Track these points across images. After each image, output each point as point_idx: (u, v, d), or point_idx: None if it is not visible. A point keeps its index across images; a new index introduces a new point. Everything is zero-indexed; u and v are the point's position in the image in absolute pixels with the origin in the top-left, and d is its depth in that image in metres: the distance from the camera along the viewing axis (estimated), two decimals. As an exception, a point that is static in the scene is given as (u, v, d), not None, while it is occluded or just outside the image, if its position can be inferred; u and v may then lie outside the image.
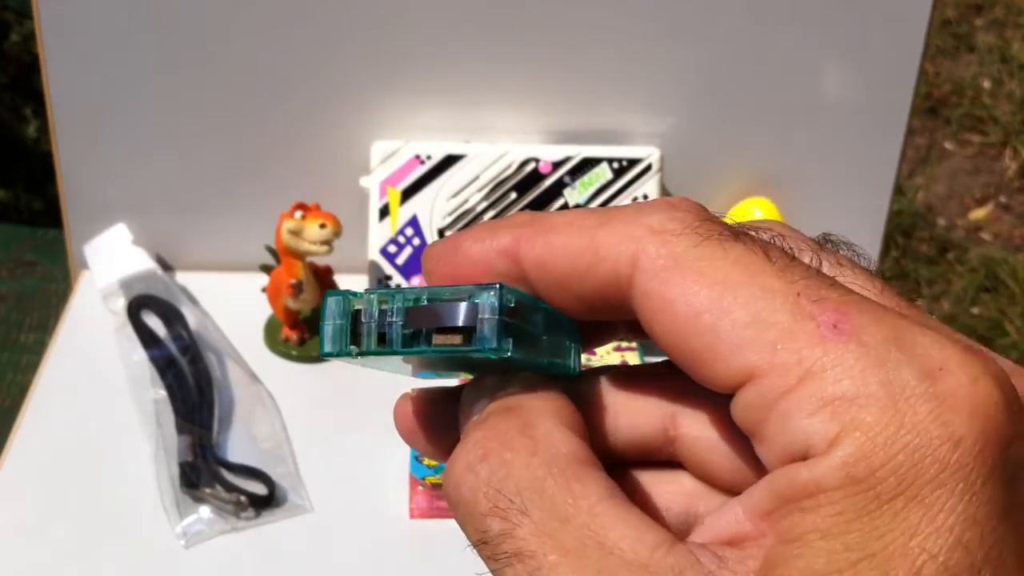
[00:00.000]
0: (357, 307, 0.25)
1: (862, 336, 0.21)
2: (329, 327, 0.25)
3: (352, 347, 0.25)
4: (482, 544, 0.22)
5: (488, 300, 0.23)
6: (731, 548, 0.21)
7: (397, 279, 0.84)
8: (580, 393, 0.26)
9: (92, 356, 0.83)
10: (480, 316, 0.23)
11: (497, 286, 0.23)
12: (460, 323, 0.23)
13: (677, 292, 0.22)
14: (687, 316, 0.22)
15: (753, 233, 0.23)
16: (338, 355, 0.25)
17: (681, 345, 0.22)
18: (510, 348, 0.23)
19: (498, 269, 0.25)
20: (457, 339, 0.23)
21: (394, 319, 0.24)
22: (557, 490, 0.22)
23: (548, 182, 0.85)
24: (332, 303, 0.25)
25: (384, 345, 0.24)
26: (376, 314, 0.24)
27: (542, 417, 0.23)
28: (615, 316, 0.24)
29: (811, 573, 0.20)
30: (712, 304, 0.22)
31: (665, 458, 0.26)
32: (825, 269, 0.23)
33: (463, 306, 0.23)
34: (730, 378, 0.22)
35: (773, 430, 0.21)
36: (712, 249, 0.22)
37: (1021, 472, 0.20)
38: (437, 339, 0.24)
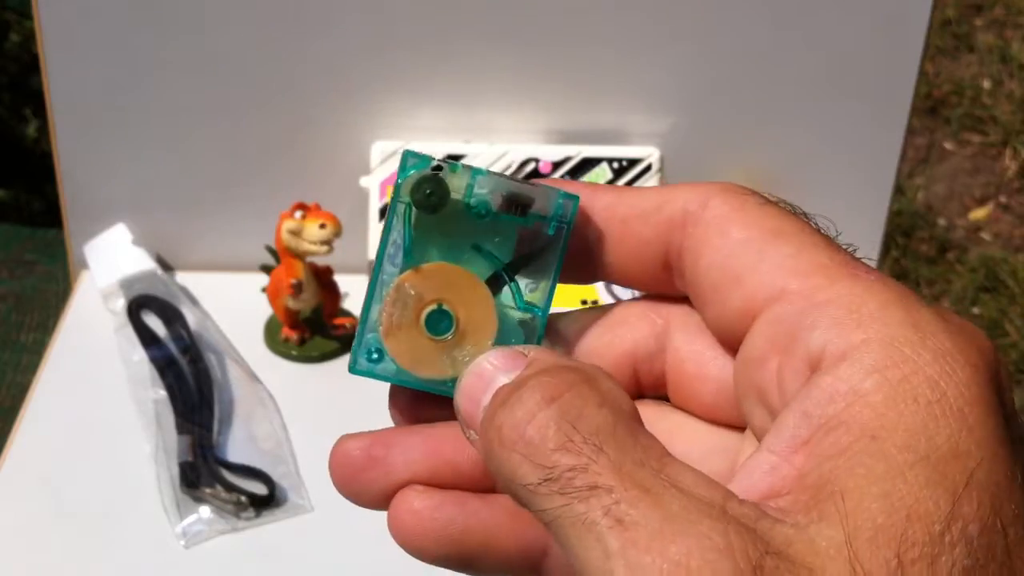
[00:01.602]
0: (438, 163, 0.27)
1: (888, 284, 0.23)
2: (412, 152, 0.27)
3: (438, 161, 0.26)
4: (547, 481, 0.22)
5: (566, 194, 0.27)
6: (779, 500, 0.22)
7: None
8: (570, 331, 0.28)
9: (92, 356, 0.83)
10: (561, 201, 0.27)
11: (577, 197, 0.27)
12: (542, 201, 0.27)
13: (737, 223, 0.25)
14: (740, 240, 0.24)
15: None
16: (418, 167, 0.26)
17: (727, 262, 0.25)
18: (570, 224, 0.26)
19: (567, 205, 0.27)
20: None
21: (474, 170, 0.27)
22: (627, 436, 0.22)
23: (548, 182, 0.85)
24: (415, 157, 0.27)
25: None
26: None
27: (602, 376, 0.24)
28: (658, 275, 0.27)
29: (873, 480, 0.20)
30: (764, 235, 0.24)
31: (649, 389, 0.28)
32: None
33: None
34: (760, 296, 0.24)
35: (797, 341, 0.23)
36: (771, 210, 0.25)
37: (1012, 413, 0.22)
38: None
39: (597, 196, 0.27)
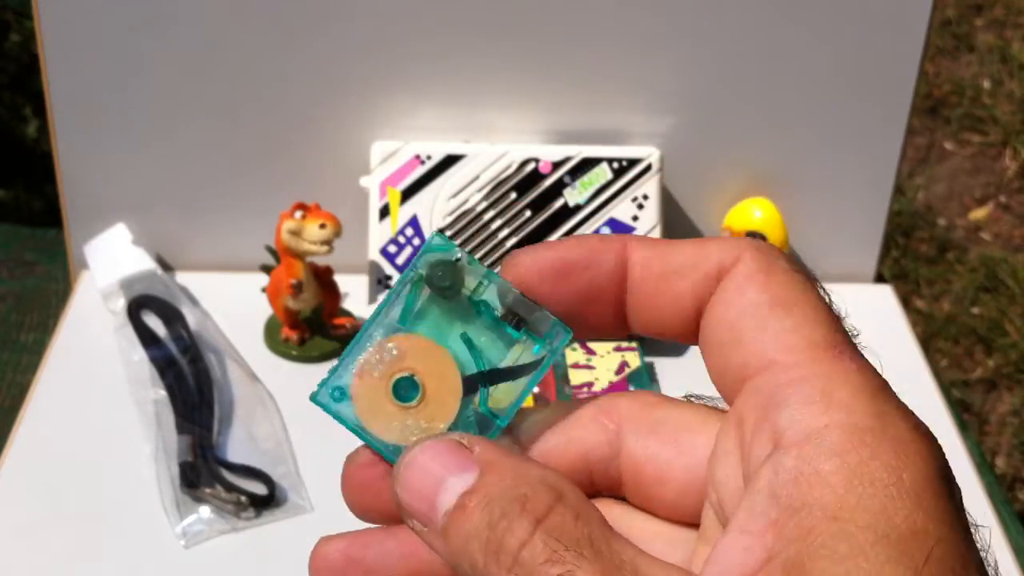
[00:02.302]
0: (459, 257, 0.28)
1: (869, 372, 0.25)
2: (442, 237, 0.29)
3: (464, 253, 0.28)
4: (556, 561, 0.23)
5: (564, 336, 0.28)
6: None
7: (397, 279, 0.84)
8: (522, 430, 0.29)
9: (92, 356, 0.83)
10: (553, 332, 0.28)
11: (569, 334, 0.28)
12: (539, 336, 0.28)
13: (756, 285, 0.26)
14: (751, 303, 0.26)
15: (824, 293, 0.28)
16: (442, 249, 0.28)
17: (736, 322, 0.26)
18: (554, 356, 0.28)
19: (603, 262, 0.28)
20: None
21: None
22: (603, 543, 0.24)
23: (548, 182, 0.85)
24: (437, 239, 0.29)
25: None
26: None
27: (566, 486, 0.25)
28: (685, 328, 0.28)
29: (837, 560, 0.22)
30: (775, 302, 0.26)
31: (605, 490, 0.29)
32: None
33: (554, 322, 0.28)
34: (753, 363, 0.25)
35: (768, 414, 0.24)
36: (794, 279, 0.27)
37: (962, 505, 0.24)
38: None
39: (636, 249, 0.28)
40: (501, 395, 0.28)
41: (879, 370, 0.25)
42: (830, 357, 0.25)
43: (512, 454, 0.26)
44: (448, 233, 0.84)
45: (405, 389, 0.28)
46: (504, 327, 0.28)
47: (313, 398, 0.29)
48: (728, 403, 0.27)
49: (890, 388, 0.24)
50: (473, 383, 0.28)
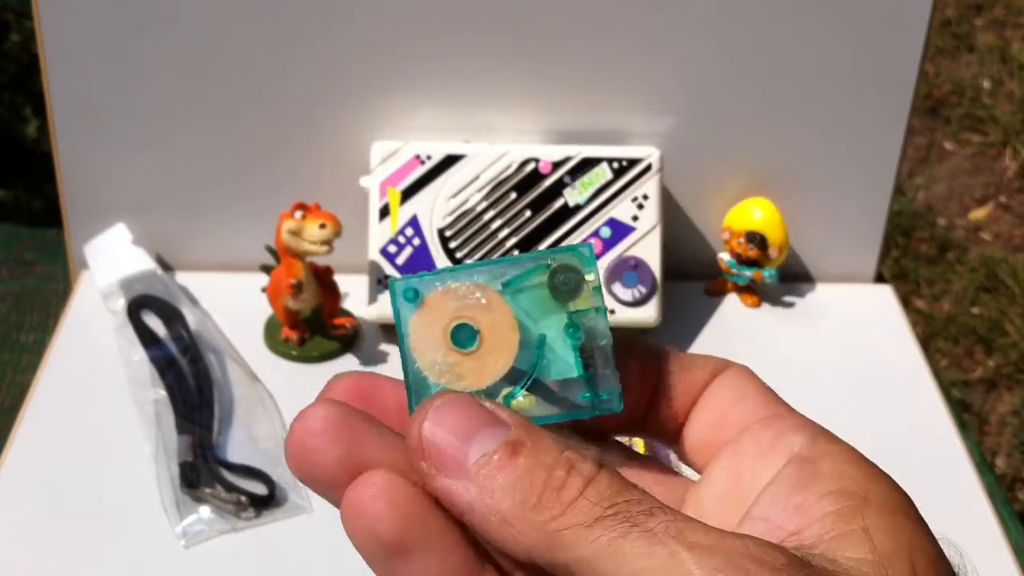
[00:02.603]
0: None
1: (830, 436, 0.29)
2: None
3: (595, 269, 0.29)
4: (603, 518, 0.24)
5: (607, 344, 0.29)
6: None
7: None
8: None
9: (92, 356, 0.83)
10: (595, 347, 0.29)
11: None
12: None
13: (751, 381, 0.31)
14: (751, 392, 0.31)
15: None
16: (584, 259, 0.29)
17: (716, 412, 0.31)
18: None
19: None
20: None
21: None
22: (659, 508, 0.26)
23: (548, 182, 0.85)
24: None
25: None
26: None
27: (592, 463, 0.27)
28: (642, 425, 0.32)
29: (880, 523, 0.25)
30: (747, 406, 0.30)
31: None
32: None
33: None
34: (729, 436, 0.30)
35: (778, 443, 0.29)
36: (763, 387, 0.31)
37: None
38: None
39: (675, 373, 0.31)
40: (527, 404, 0.28)
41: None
42: (794, 425, 0.30)
43: (539, 427, 0.27)
44: (448, 233, 0.84)
45: (464, 335, 0.28)
46: (577, 358, 0.29)
47: (391, 284, 0.28)
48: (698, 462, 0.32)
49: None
50: (516, 376, 0.28)
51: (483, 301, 0.28)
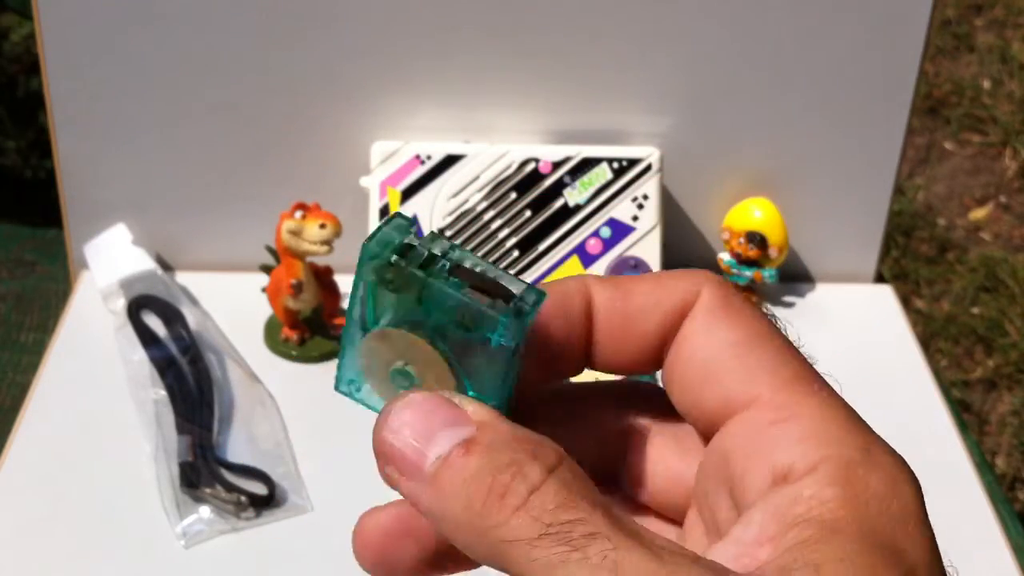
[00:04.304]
0: (410, 242, 0.27)
1: (837, 403, 0.27)
2: (382, 233, 0.27)
3: (397, 257, 0.26)
4: (545, 536, 0.23)
5: (532, 297, 0.26)
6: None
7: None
8: (531, 415, 0.28)
9: (92, 356, 0.83)
10: (519, 305, 0.26)
11: (542, 293, 0.26)
12: (504, 303, 0.26)
13: (723, 324, 0.27)
14: (723, 342, 0.27)
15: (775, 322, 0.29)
16: (376, 257, 0.26)
17: (706, 365, 0.27)
18: (518, 344, 0.26)
19: (572, 301, 0.28)
20: (486, 300, 0.26)
21: (445, 261, 0.27)
22: (607, 501, 0.25)
23: (548, 182, 0.85)
24: (398, 221, 0.27)
25: (425, 269, 0.26)
26: (429, 249, 0.27)
27: (567, 456, 0.25)
28: (649, 363, 0.29)
29: (835, 556, 0.23)
30: (746, 340, 0.27)
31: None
32: None
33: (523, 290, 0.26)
34: (738, 398, 0.27)
35: (764, 449, 0.26)
36: (751, 310, 0.28)
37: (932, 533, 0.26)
38: (471, 292, 0.26)
39: (598, 292, 0.28)
40: (483, 382, 0.27)
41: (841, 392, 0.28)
42: (809, 392, 0.26)
43: (506, 419, 0.26)
44: (448, 233, 0.84)
45: (401, 380, 0.28)
46: (457, 331, 0.27)
47: (337, 388, 0.29)
48: (703, 433, 0.28)
49: (860, 417, 0.27)
50: (455, 370, 0.27)
51: (377, 349, 0.28)
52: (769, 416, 0.26)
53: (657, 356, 0.29)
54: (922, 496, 0.26)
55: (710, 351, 0.27)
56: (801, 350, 0.28)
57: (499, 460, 0.24)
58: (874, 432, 0.26)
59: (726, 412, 0.27)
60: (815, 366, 0.28)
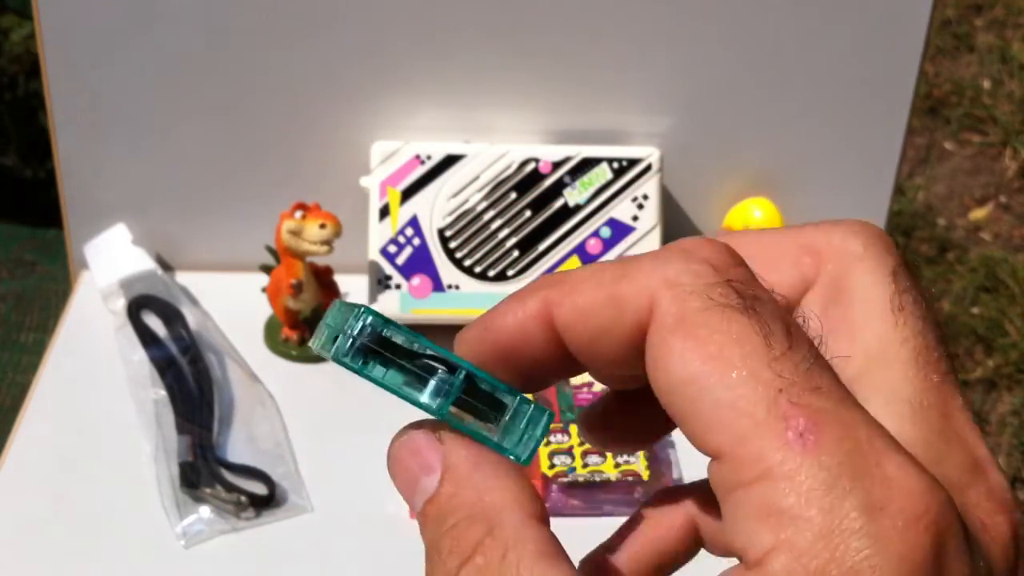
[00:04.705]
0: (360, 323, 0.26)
1: (821, 453, 0.21)
2: (323, 327, 0.26)
3: (326, 345, 0.26)
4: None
5: (441, 378, 0.25)
6: None
7: (397, 279, 0.84)
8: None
9: (92, 356, 0.83)
10: (437, 386, 0.25)
11: (463, 371, 0.25)
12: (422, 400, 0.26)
13: (676, 354, 0.23)
14: (679, 380, 0.23)
15: (766, 305, 0.23)
16: (319, 348, 0.26)
17: (670, 404, 0.23)
18: (446, 412, 0.25)
19: (535, 337, 0.26)
20: (402, 380, 0.26)
21: (364, 338, 0.26)
22: None
23: (548, 182, 0.85)
24: (336, 308, 0.26)
25: (347, 356, 0.26)
26: (357, 329, 0.26)
27: (506, 513, 0.24)
28: (633, 376, 0.25)
29: None
30: (701, 376, 0.22)
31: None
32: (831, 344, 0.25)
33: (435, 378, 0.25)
34: (703, 448, 0.23)
35: (727, 515, 0.22)
36: (717, 319, 0.23)
37: None
38: (389, 377, 0.26)
39: (559, 314, 0.26)
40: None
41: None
42: (775, 440, 0.21)
43: (473, 459, 0.25)
44: (448, 233, 0.84)
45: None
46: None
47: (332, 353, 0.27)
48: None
49: (860, 455, 0.21)
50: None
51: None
52: (733, 476, 0.22)
53: (638, 367, 0.25)
54: (934, 543, 0.20)
55: (666, 390, 0.23)
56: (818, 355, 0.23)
57: (436, 534, 0.25)
58: (855, 487, 0.21)
59: (703, 452, 0.23)
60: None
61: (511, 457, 0.26)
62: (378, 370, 0.26)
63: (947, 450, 0.23)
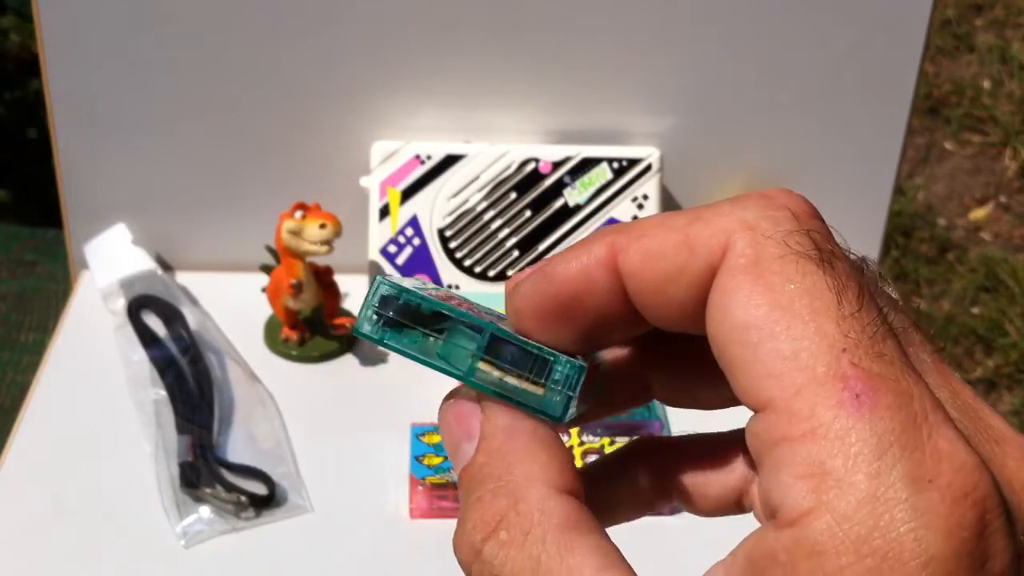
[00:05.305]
0: (389, 293, 0.27)
1: (875, 418, 0.20)
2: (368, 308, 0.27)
3: (373, 320, 0.27)
4: (493, 533, 0.24)
5: (478, 342, 0.26)
6: None
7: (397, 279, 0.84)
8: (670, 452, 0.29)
9: (92, 356, 0.83)
10: (468, 352, 0.26)
11: (488, 332, 0.25)
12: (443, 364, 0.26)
13: (743, 297, 0.22)
14: (741, 323, 0.22)
15: (841, 262, 0.22)
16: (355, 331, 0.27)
17: (725, 349, 0.23)
18: (472, 377, 0.26)
19: (600, 285, 0.25)
20: (432, 342, 0.26)
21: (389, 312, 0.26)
22: (553, 565, 0.23)
23: (548, 182, 0.85)
24: (379, 285, 0.27)
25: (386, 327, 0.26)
26: (377, 302, 0.26)
27: (532, 486, 0.24)
28: (697, 324, 0.24)
29: None
30: (765, 324, 0.22)
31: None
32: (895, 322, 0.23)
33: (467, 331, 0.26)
34: (751, 398, 0.22)
35: (766, 470, 0.22)
36: (792, 267, 0.22)
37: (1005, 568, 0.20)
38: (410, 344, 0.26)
39: (624, 260, 0.25)
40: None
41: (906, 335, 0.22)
42: (830, 403, 0.21)
43: (509, 429, 0.25)
44: (448, 233, 0.84)
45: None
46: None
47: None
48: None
49: (912, 429, 0.20)
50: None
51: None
52: (780, 429, 0.21)
53: (699, 320, 0.24)
54: (977, 527, 0.20)
55: (724, 333, 0.22)
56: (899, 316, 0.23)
57: (468, 500, 0.25)
58: (906, 455, 0.20)
59: (749, 405, 0.22)
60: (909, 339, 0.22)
61: (547, 416, 0.25)
62: (401, 339, 0.26)
63: (972, 427, 0.23)
